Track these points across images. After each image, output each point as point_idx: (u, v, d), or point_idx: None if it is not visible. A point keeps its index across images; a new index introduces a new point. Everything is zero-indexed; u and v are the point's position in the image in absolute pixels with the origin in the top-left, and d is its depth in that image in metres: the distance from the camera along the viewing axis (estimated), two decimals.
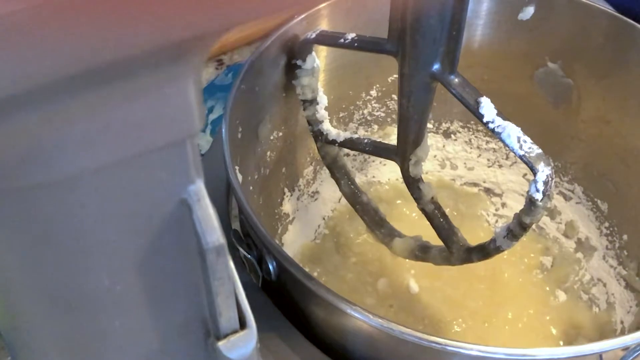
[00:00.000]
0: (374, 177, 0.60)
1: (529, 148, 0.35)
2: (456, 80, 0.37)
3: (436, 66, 0.37)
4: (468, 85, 0.37)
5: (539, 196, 0.35)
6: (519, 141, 0.35)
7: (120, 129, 0.17)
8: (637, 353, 0.32)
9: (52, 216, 0.18)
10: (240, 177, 0.40)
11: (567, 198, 0.57)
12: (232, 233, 0.39)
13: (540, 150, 0.35)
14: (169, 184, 0.20)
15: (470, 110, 0.37)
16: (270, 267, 0.36)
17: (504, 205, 0.60)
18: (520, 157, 0.35)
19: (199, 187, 0.21)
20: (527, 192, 0.36)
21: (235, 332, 0.24)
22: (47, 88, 0.14)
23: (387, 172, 0.60)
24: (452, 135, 0.60)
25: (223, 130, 0.39)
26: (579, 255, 0.56)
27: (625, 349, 0.32)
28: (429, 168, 0.61)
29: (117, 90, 0.16)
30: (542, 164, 0.35)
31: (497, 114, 0.36)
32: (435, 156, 0.60)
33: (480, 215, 0.60)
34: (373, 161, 0.60)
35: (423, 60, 0.37)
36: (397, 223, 0.51)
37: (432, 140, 0.59)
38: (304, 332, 0.37)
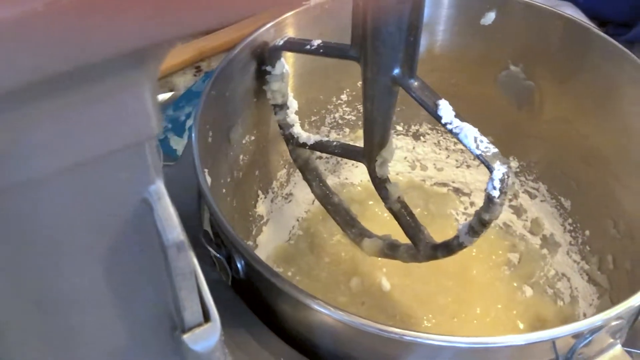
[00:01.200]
0: (346, 178, 0.62)
1: (486, 147, 0.37)
2: (416, 84, 0.38)
3: (396, 71, 0.38)
4: (427, 88, 0.39)
5: (496, 193, 0.37)
6: (475, 141, 0.37)
7: (80, 133, 0.18)
8: (588, 339, 0.34)
9: (16, 217, 0.19)
10: (209, 179, 0.41)
11: (532, 196, 0.59)
12: (203, 233, 0.40)
13: (496, 150, 0.37)
14: (130, 184, 0.21)
15: (429, 112, 0.38)
16: (239, 265, 0.37)
17: (472, 204, 0.61)
18: (477, 156, 0.37)
19: (159, 187, 0.22)
20: (485, 190, 0.37)
21: (199, 325, 0.25)
22: (7, 95, 0.15)
23: (359, 174, 0.61)
24: (422, 137, 0.61)
25: (193, 134, 0.40)
26: (544, 251, 0.58)
27: (576, 336, 0.34)
28: (400, 169, 0.62)
29: (75, 96, 0.17)
30: (498, 162, 0.36)
31: (455, 116, 0.38)
32: (405, 158, 0.62)
33: (450, 214, 0.61)
34: (345, 163, 0.61)
35: (384, 65, 0.38)
36: (369, 223, 0.52)
37: (402, 142, 0.61)
38: (272, 328, 0.38)
